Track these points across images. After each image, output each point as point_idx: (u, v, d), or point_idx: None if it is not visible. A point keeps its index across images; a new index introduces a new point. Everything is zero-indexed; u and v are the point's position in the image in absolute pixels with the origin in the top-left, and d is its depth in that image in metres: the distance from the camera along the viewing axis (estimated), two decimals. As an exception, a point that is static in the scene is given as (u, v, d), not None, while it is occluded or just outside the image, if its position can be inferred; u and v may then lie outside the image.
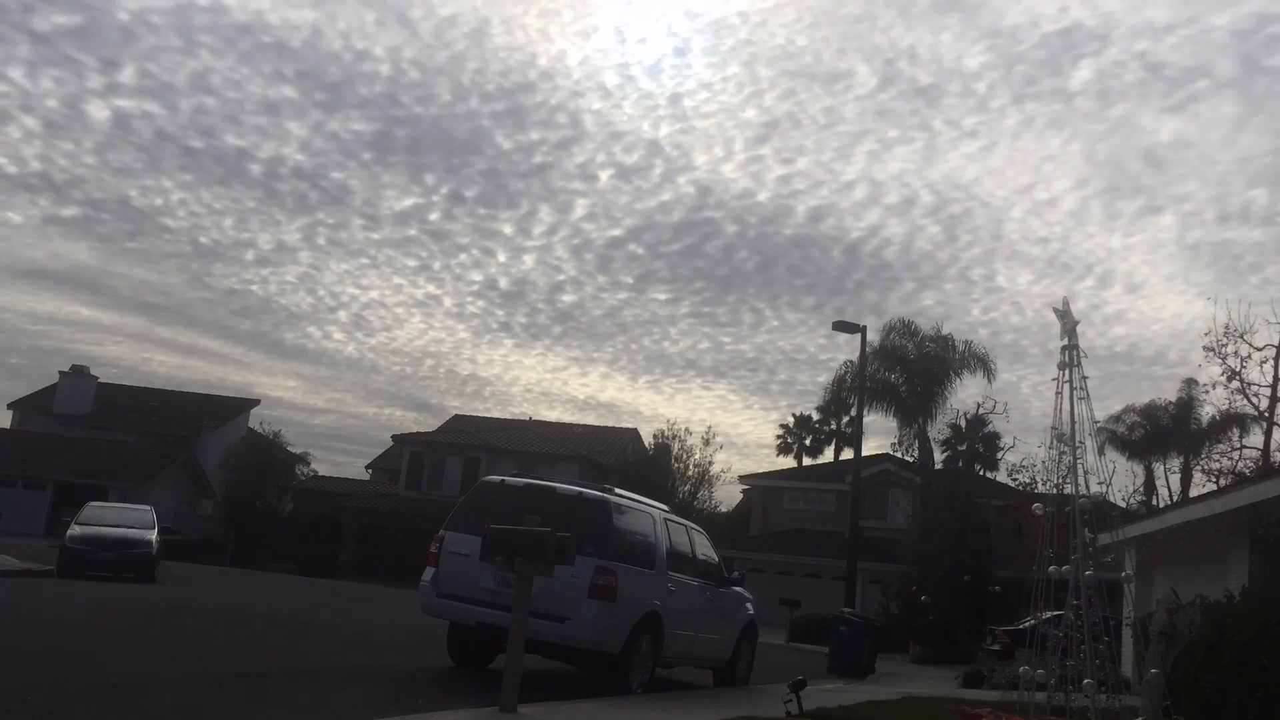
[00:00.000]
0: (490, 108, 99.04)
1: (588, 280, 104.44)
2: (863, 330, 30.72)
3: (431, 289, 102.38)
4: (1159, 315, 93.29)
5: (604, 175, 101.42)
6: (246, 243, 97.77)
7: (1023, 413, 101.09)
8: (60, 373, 54.53)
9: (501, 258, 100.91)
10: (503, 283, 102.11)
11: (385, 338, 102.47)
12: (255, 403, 59.96)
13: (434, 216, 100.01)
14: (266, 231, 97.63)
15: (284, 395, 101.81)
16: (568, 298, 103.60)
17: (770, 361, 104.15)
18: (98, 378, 55.10)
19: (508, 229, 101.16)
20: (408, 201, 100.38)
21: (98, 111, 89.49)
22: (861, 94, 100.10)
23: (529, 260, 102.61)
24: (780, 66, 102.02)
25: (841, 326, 30.85)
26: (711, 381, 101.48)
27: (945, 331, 35.59)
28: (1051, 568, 9.07)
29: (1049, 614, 9.27)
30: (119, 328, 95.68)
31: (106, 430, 51.74)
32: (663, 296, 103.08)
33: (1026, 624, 15.74)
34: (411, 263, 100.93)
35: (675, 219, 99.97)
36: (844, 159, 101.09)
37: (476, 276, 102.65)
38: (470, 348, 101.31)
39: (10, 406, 55.08)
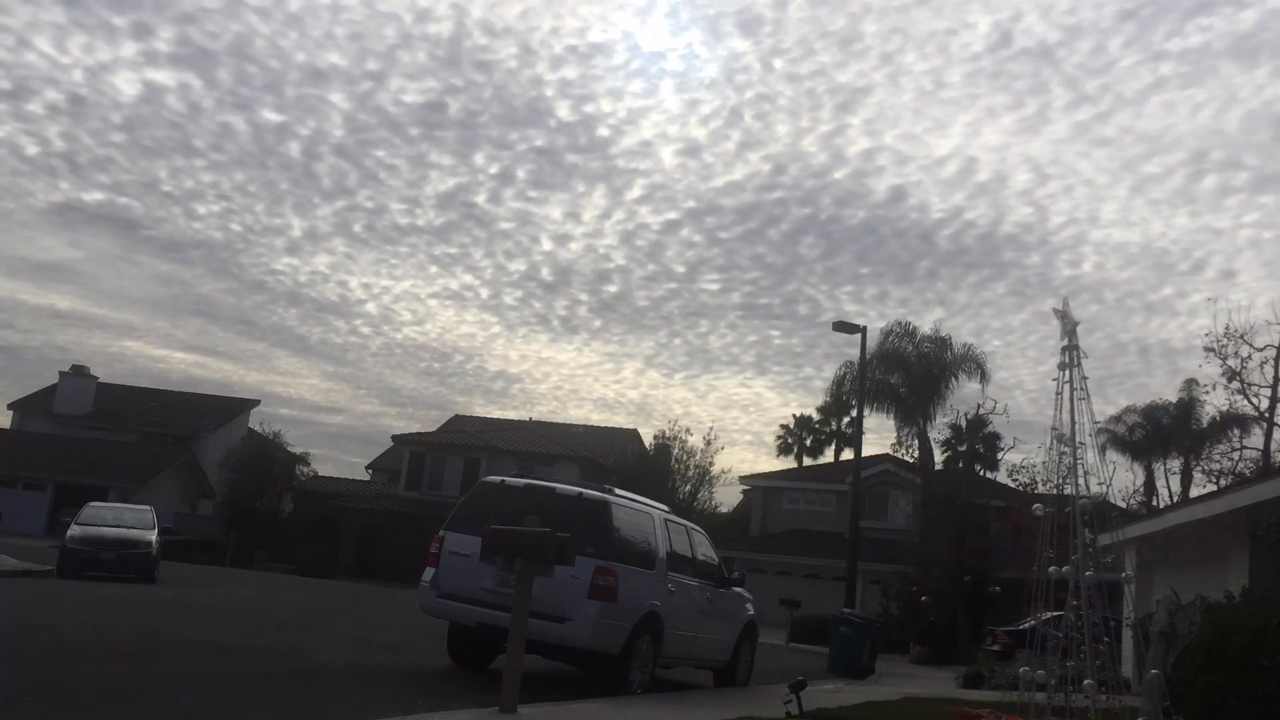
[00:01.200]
0: (558, 75, 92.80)
1: (636, 268, 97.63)
2: (863, 331, 30.75)
3: (468, 279, 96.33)
4: (1252, 305, 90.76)
5: (669, 151, 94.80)
6: (278, 229, 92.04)
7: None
8: (60, 373, 54.47)
9: (546, 245, 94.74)
10: (545, 272, 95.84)
11: (414, 332, 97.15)
12: (255, 403, 60.02)
13: (479, 199, 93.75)
14: (300, 217, 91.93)
15: (303, 395, 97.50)
16: (612, 288, 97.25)
17: (818, 356, 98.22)
18: (98, 378, 55.06)
19: (556, 213, 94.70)
20: (452, 182, 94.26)
21: (128, 85, 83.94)
22: (977, 52, 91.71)
23: (575, 247, 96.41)
24: (890, 21, 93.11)
25: (841, 327, 30.85)
26: (752, 377, 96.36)
27: (944, 333, 35.83)
28: (1051, 568, 9.07)
29: (1049, 614, 9.26)
30: (136, 325, 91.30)
31: (106, 430, 51.70)
32: (714, 286, 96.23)
33: (1026, 624, 15.74)
34: (452, 250, 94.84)
35: (741, 201, 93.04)
36: (940, 130, 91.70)
37: (518, 266, 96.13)
38: (503, 343, 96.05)
39: (10, 406, 55.04)
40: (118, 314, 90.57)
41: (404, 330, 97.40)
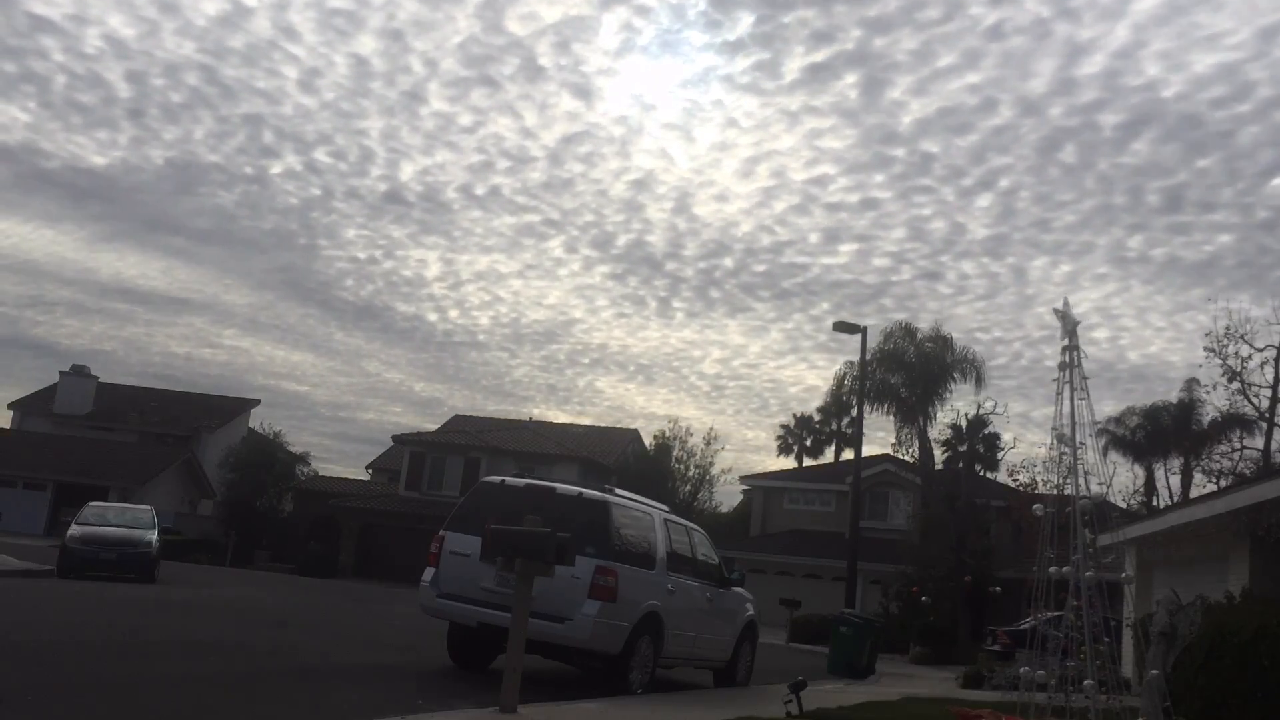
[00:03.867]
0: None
1: (763, 235, 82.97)
2: (863, 331, 30.75)
3: (560, 254, 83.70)
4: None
5: (865, 70, 73.74)
6: (360, 192, 79.60)
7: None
8: (60, 372, 54.55)
9: (661, 210, 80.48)
10: (653, 241, 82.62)
11: (487, 318, 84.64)
12: (255, 402, 59.99)
13: (605, 151, 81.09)
14: (386, 178, 79.33)
15: (353, 389, 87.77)
16: (726, 262, 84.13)
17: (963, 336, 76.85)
18: (98, 377, 55.08)
19: (686, 168, 79.98)
20: (574, 128, 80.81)
21: (207, 2, 72.25)
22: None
23: (700, 212, 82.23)
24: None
25: (842, 327, 30.85)
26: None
27: (944, 332, 35.93)
28: (1052, 568, 9.06)
29: (1049, 614, 9.26)
30: (184, 311, 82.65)
31: (106, 430, 51.70)
32: (843, 259, 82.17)
33: (1027, 624, 15.73)
34: (553, 215, 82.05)
35: (947, 143, 75.37)
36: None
37: (628, 236, 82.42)
38: (582, 329, 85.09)
39: (10, 406, 55.09)
40: (164, 296, 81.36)
41: (473, 314, 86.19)
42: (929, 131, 79.44)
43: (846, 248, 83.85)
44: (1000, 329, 79.57)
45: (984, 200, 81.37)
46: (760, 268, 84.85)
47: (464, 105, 79.31)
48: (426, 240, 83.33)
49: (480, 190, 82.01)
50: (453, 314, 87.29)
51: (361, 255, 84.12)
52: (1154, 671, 8.99)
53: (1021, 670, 9.37)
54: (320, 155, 79.32)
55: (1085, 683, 8.67)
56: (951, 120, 78.70)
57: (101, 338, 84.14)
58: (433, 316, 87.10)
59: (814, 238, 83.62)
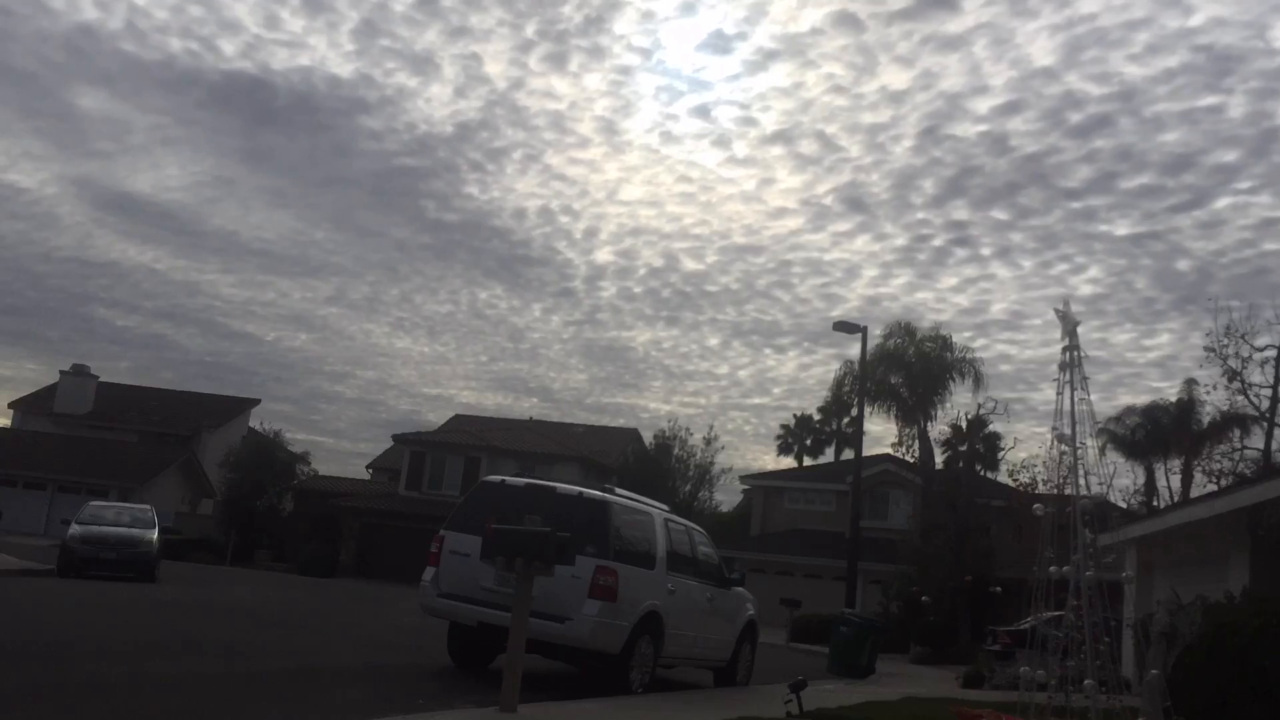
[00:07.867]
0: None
1: (1048, 159, 66.27)
2: (863, 331, 30.74)
3: (750, 184, 67.24)
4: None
5: None
6: (530, 117, 64.53)
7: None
8: (60, 372, 54.62)
9: (912, 132, 65.14)
10: (877, 178, 68.73)
11: (616, 288, 72.50)
12: (255, 402, 60.05)
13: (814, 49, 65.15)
14: (556, 99, 64.84)
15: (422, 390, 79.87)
16: (959, 211, 69.39)
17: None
18: (98, 377, 55.15)
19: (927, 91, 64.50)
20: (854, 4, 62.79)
21: None
22: None
23: (968, 131, 64.78)
24: None
25: (842, 327, 30.84)
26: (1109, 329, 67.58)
27: (943, 333, 35.98)
28: (1052, 568, 9.06)
29: (1049, 614, 9.26)
30: (269, 277, 75.64)
31: (106, 430, 51.75)
32: (1071, 203, 66.96)
33: (1027, 624, 15.73)
34: (786, 125, 67.71)
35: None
36: None
37: (848, 173, 68.16)
38: (725, 297, 74.52)
39: (10, 406, 55.20)
40: (252, 266, 74.36)
41: (599, 285, 72.74)
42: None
43: (1139, 178, 64.11)
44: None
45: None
46: (1034, 207, 66.16)
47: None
48: (594, 181, 69.64)
49: (683, 108, 65.96)
50: (576, 284, 74.64)
51: (495, 209, 71.15)
52: (1154, 671, 8.99)
53: (1022, 670, 9.37)
54: (489, 61, 63.72)
55: (1085, 683, 8.67)
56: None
57: (158, 314, 76.09)
58: (581, 287, 77.27)
59: (1084, 171, 64.22)
